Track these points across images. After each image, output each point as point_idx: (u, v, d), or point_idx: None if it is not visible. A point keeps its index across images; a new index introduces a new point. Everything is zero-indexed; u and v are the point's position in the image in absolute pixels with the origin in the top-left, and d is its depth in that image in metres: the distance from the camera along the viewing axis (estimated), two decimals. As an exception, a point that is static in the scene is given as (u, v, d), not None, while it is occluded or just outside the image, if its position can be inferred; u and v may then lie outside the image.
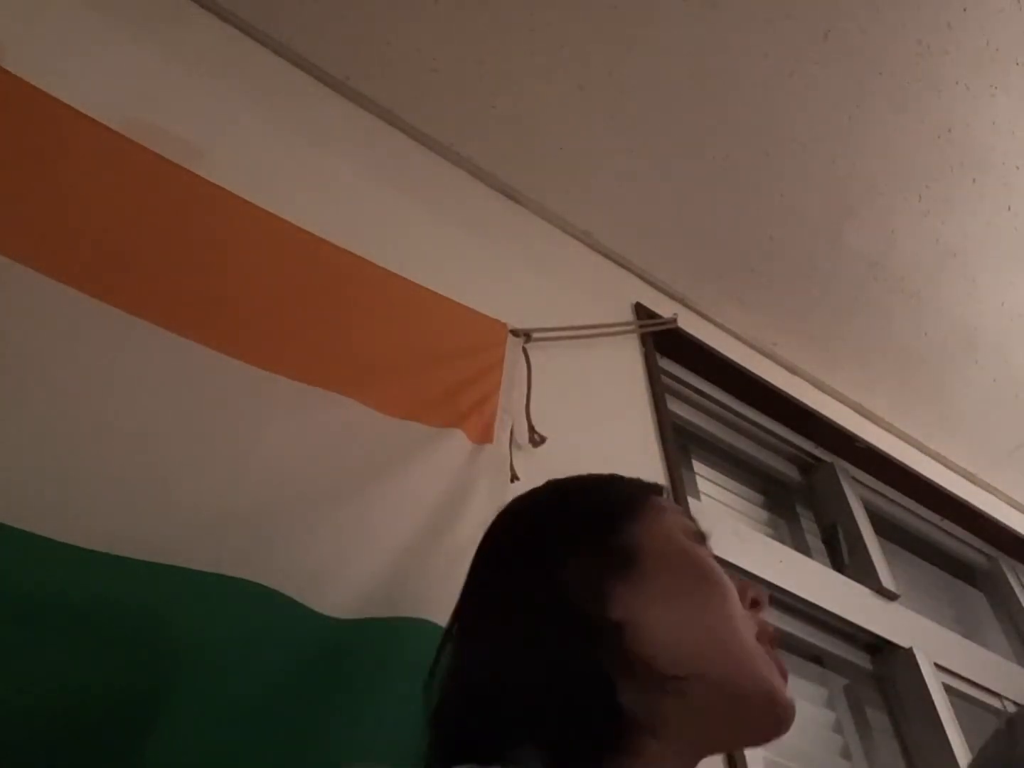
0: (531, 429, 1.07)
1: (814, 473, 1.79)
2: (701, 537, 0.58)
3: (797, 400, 1.75)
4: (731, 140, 1.48)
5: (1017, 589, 1.99)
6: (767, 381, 1.71)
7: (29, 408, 0.68)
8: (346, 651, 0.71)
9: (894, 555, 1.78)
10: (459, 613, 0.59)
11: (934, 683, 1.42)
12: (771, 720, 0.50)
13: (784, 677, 0.52)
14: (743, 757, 1.01)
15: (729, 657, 0.50)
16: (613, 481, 0.63)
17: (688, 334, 1.59)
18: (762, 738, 0.51)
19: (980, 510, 2.00)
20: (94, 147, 0.89)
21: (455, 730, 0.50)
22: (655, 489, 0.63)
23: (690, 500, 1.29)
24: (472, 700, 0.50)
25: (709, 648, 0.50)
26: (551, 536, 0.57)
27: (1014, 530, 2.05)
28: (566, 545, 0.55)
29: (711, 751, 0.52)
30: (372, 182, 1.26)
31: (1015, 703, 1.60)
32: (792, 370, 1.87)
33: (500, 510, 0.63)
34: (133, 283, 0.81)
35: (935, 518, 1.97)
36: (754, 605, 0.56)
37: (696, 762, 0.51)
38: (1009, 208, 1.58)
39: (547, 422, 1.08)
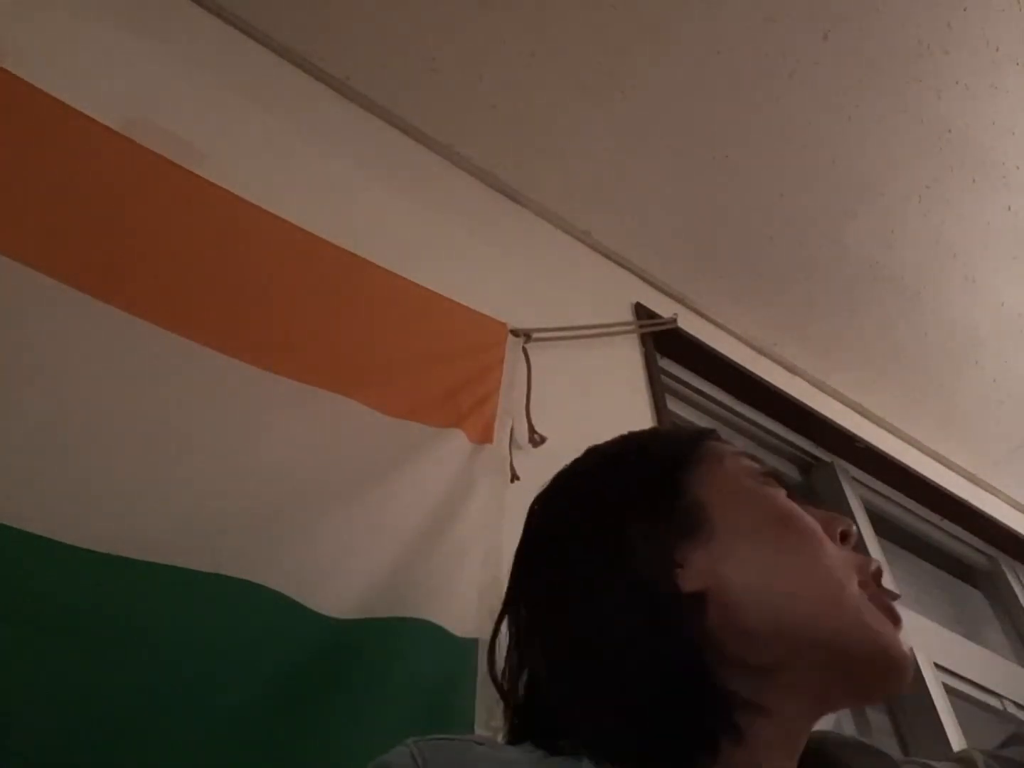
0: (531, 429, 1.07)
1: (814, 473, 1.79)
2: (771, 477, 0.52)
3: (797, 400, 1.75)
4: (731, 140, 1.48)
5: (1017, 589, 1.99)
6: (767, 381, 1.71)
7: (29, 408, 0.68)
8: (346, 651, 0.71)
9: (894, 555, 1.78)
10: (515, 599, 0.54)
11: (934, 683, 1.42)
12: (888, 675, 0.44)
13: (896, 622, 0.46)
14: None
15: (831, 609, 0.44)
16: (659, 436, 0.58)
17: (688, 334, 1.59)
18: (879, 695, 0.46)
19: (980, 510, 2.00)
20: (94, 147, 0.89)
21: (544, 715, 0.46)
22: (709, 435, 0.57)
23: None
24: (554, 689, 0.46)
25: (806, 603, 0.44)
26: (606, 510, 0.51)
27: (1014, 530, 2.05)
28: (624, 517, 0.49)
29: (823, 714, 0.47)
30: (372, 182, 1.26)
31: (1015, 703, 1.60)
32: (792, 370, 1.87)
33: (543, 488, 0.58)
34: (133, 283, 0.81)
35: (935, 518, 1.97)
36: (844, 539, 0.49)
37: (806, 735, 0.46)
38: (1009, 208, 1.58)
39: (547, 422, 1.08)
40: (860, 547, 1.61)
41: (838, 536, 0.49)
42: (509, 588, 0.56)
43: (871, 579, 0.48)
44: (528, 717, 0.48)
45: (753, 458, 0.55)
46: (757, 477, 0.52)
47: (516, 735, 0.48)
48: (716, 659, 0.44)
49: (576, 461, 0.59)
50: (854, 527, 0.51)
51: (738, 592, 0.45)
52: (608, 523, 0.50)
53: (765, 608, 0.45)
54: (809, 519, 0.49)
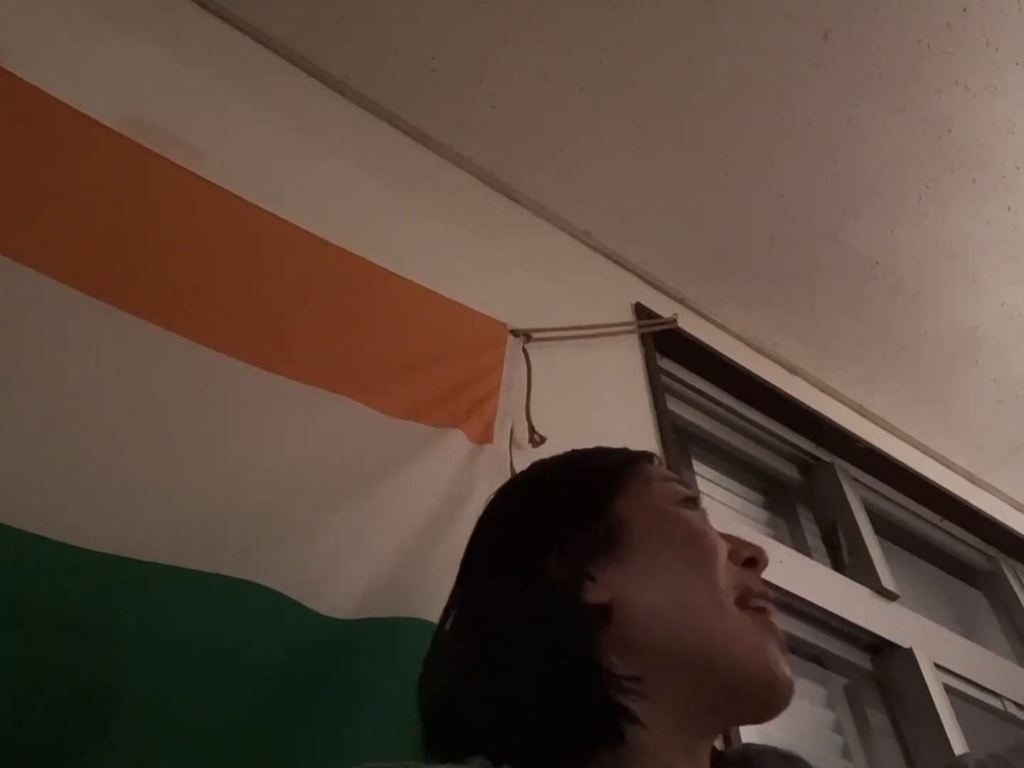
0: (531, 429, 1.07)
1: (814, 473, 1.79)
2: (692, 502, 0.55)
3: (797, 400, 1.75)
4: (731, 140, 1.48)
5: (1017, 589, 1.99)
6: (767, 381, 1.71)
7: (29, 408, 0.68)
8: (346, 651, 0.71)
9: (894, 555, 1.78)
10: (452, 604, 0.57)
11: (934, 683, 1.42)
12: (767, 697, 0.47)
13: (781, 647, 0.49)
14: (743, 757, 1.01)
15: (717, 631, 0.47)
16: (596, 456, 0.61)
17: (688, 334, 1.59)
18: (758, 717, 0.48)
19: (980, 510, 2.00)
20: (94, 147, 0.89)
21: (446, 721, 0.48)
22: (643, 458, 0.60)
23: (690, 500, 1.29)
24: (463, 692, 0.48)
25: (696, 623, 0.47)
26: (534, 520, 0.55)
27: (1014, 530, 2.05)
28: (549, 528, 0.53)
29: (707, 733, 0.49)
30: (372, 182, 1.26)
31: (1015, 703, 1.60)
32: (792, 370, 1.87)
33: (488, 501, 0.61)
34: (133, 283, 0.81)
35: (935, 518, 1.97)
36: (749, 564, 0.53)
37: (694, 747, 0.48)
38: (1009, 208, 1.58)
39: (547, 422, 1.08)
40: (855, 549, 1.61)
41: (743, 560, 0.53)
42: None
43: (760, 599, 0.51)
44: (442, 728, 0.49)
45: (681, 483, 0.58)
46: (678, 501, 0.55)
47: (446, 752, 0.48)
48: (613, 669, 0.46)
49: (520, 473, 0.63)
50: (764, 554, 0.54)
51: (639, 607, 0.48)
52: (533, 535, 0.53)
53: (658, 624, 0.47)
54: (717, 544, 0.52)
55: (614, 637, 0.47)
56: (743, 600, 0.50)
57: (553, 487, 0.57)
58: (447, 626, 0.55)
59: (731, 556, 0.52)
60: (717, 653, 0.46)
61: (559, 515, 0.54)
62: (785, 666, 0.48)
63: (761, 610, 0.50)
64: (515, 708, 0.45)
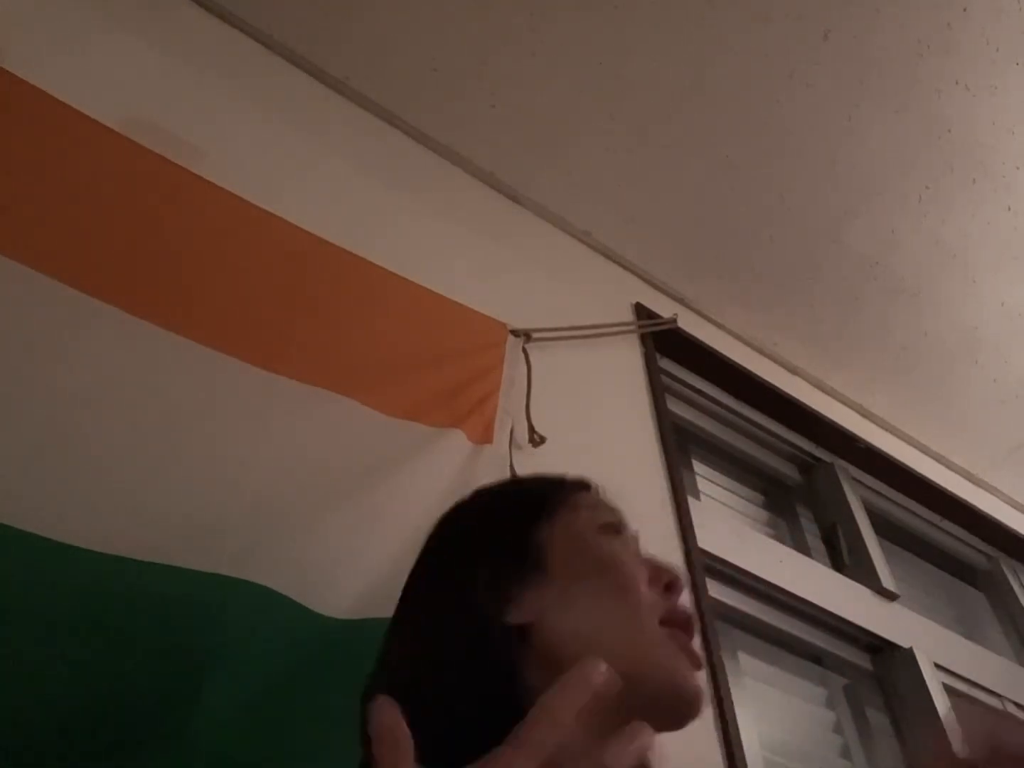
0: (531, 429, 1.07)
1: (814, 473, 1.79)
2: (615, 528, 0.58)
3: (797, 400, 1.75)
4: (731, 140, 1.48)
5: (1017, 589, 1.99)
6: (767, 381, 1.71)
7: (29, 408, 0.68)
8: (346, 651, 0.71)
9: (894, 555, 1.78)
10: (392, 620, 0.59)
11: (934, 683, 1.42)
12: (678, 708, 0.50)
13: (695, 663, 0.52)
14: (743, 757, 1.01)
15: (630, 649, 0.49)
16: (529, 483, 0.64)
17: (688, 334, 1.59)
18: (670, 726, 0.51)
19: (980, 510, 2.00)
20: (94, 147, 0.89)
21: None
22: (576, 486, 0.63)
23: (690, 500, 1.29)
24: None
25: (611, 643, 0.50)
26: (464, 543, 0.58)
27: (1014, 530, 2.05)
28: (477, 552, 0.56)
29: None
30: (372, 182, 1.26)
31: (1015, 703, 1.60)
32: (792, 370, 1.87)
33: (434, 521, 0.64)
34: (133, 282, 0.81)
35: (935, 518, 1.97)
36: (668, 589, 0.56)
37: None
38: (1009, 208, 1.58)
39: (547, 422, 1.08)
40: (855, 549, 1.61)
41: (662, 586, 0.55)
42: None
43: (680, 625, 0.54)
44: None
45: (610, 509, 0.61)
46: (599, 528, 0.58)
47: None
48: (532, 689, 0.47)
49: (461, 499, 0.65)
50: (680, 580, 0.57)
51: (557, 629, 0.50)
52: (462, 558, 0.57)
53: (574, 644, 0.50)
54: (633, 570, 0.55)
55: (535, 657, 0.49)
56: (668, 622, 0.53)
57: (486, 513, 0.61)
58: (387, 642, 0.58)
59: (651, 581, 0.55)
60: (631, 669, 0.48)
61: (487, 540, 0.57)
62: (694, 680, 0.51)
63: (679, 632, 0.53)
64: (435, 720, 0.47)
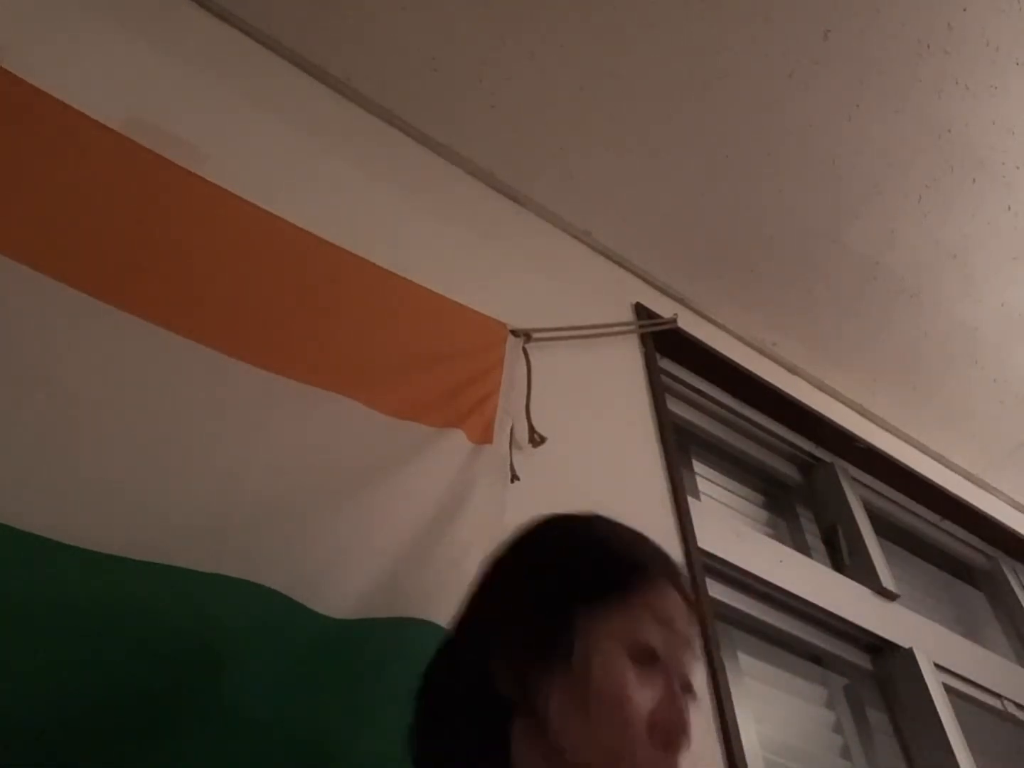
0: (531, 429, 1.07)
1: (814, 473, 1.79)
2: (650, 656, 0.54)
3: (797, 400, 1.75)
4: (731, 140, 1.48)
5: (1017, 589, 1.99)
6: (767, 381, 1.71)
7: (29, 408, 0.68)
8: (346, 651, 0.71)
9: (894, 555, 1.78)
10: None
11: (934, 683, 1.42)
12: None
13: None
14: (743, 757, 1.01)
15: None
16: (607, 547, 0.60)
17: (688, 334, 1.59)
18: None
19: (980, 510, 2.00)
20: (94, 147, 0.89)
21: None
22: (658, 570, 0.59)
23: (690, 500, 1.29)
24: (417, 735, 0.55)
25: (600, 756, 0.51)
26: (515, 596, 0.58)
27: (1014, 530, 2.05)
28: (518, 613, 0.56)
29: None
30: (372, 182, 1.26)
31: (1015, 703, 1.60)
32: (792, 370, 1.87)
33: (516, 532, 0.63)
34: (134, 283, 0.81)
35: (935, 518, 1.97)
36: (666, 747, 0.53)
37: None
38: (1009, 208, 1.58)
39: (547, 422, 1.08)
40: (855, 549, 1.61)
41: (661, 743, 0.53)
42: None
43: (662, 745, 0.52)
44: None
45: (667, 623, 0.57)
46: (638, 652, 0.54)
47: None
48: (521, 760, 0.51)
49: (536, 527, 0.62)
50: (683, 740, 0.53)
51: (563, 726, 0.52)
52: (503, 615, 0.57)
53: (572, 751, 0.51)
54: (632, 731, 0.52)
55: (540, 742, 0.51)
56: (650, 733, 0.52)
57: (545, 572, 0.58)
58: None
59: (650, 730, 0.53)
60: None
61: (536, 605, 0.56)
62: None
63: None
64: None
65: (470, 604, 0.60)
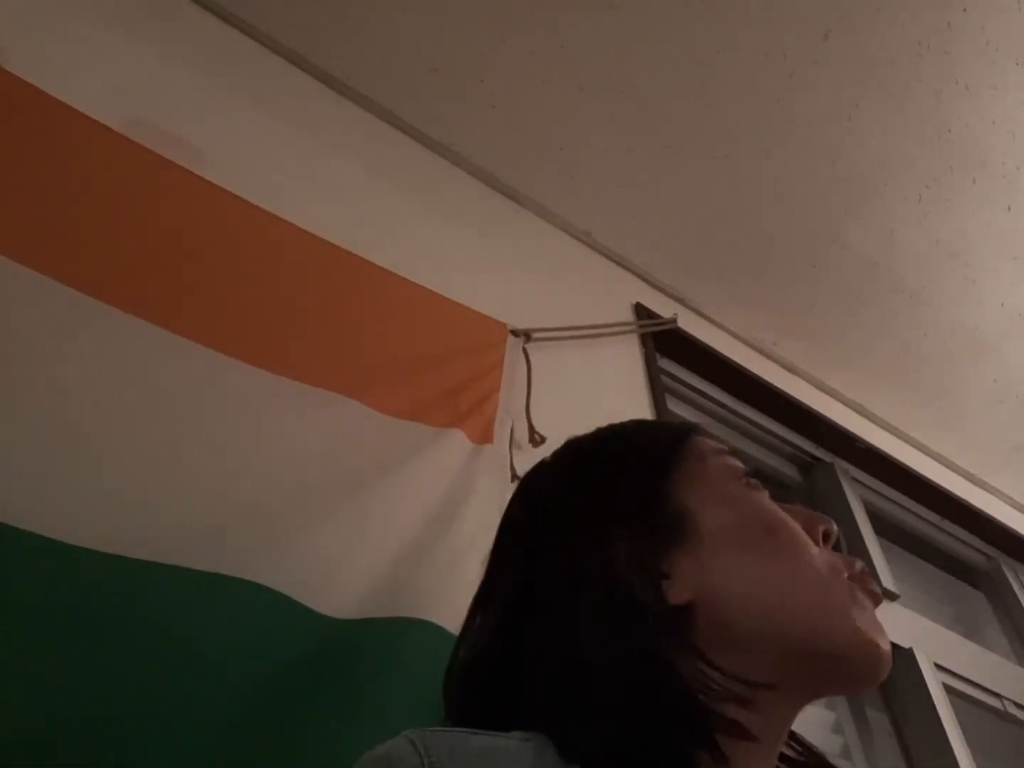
0: (531, 429, 1.07)
1: (814, 473, 1.79)
2: (754, 478, 0.51)
3: (797, 400, 1.75)
4: (731, 140, 1.48)
5: (1017, 589, 1.99)
6: (767, 381, 1.71)
7: (29, 408, 0.68)
8: (346, 651, 0.71)
9: (894, 555, 1.78)
10: (493, 593, 0.53)
11: (934, 683, 1.42)
12: (869, 671, 0.46)
13: (877, 626, 0.47)
14: (743, 757, 1.01)
15: (820, 612, 0.45)
16: (640, 433, 0.56)
17: (688, 334, 1.59)
18: (859, 688, 0.48)
19: (980, 510, 2.00)
20: (94, 147, 0.89)
21: (492, 697, 0.47)
22: (689, 430, 0.55)
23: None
24: (533, 679, 0.46)
25: (795, 608, 0.45)
26: (587, 512, 0.50)
27: (1014, 530, 2.05)
28: (606, 522, 0.49)
29: (807, 702, 0.49)
30: (372, 182, 1.26)
31: (1015, 703, 1.60)
32: (792, 370, 1.87)
33: (522, 480, 0.58)
34: (133, 283, 0.81)
35: (935, 518, 1.97)
36: (825, 539, 0.50)
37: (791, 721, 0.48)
38: (1009, 208, 1.58)
39: (547, 422, 1.08)
40: (855, 549, 1.61)
41: (820, 536, 0.50)
42: (484, 580, 0.55)
43: (858, 577, 0.48)
44: (493, 707, 0.47)
45: (735, 455, 0.54)
46: (741, 479, 0.51)
47: (478, 722, 0.45)
48: (705, 675, 0.43)
49: (556, 455, 0.58)
50: (834, 526, 0.51)
51: (727, 602, 0.45)
52: (590, 527, 0.49)
53: (754, 617, 0.45)
54: (793, 523, 0.49)
55: (707, 638, 0.44)
56: (853, 579, 0.48)
57: (603, 474, 0.53)
58: (483, 620, 0.52)
59: (807, 532, 0.49)
60: (823, 633, 0.45)
61: (616, 506, 0.50)
62: (885, 643, 0.46)
63: (864, 590, 0.48)
64: (601, 719, 0.42)
65: (520, 559, 0.52)
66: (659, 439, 0.55)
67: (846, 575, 0.48)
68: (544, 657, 0.46)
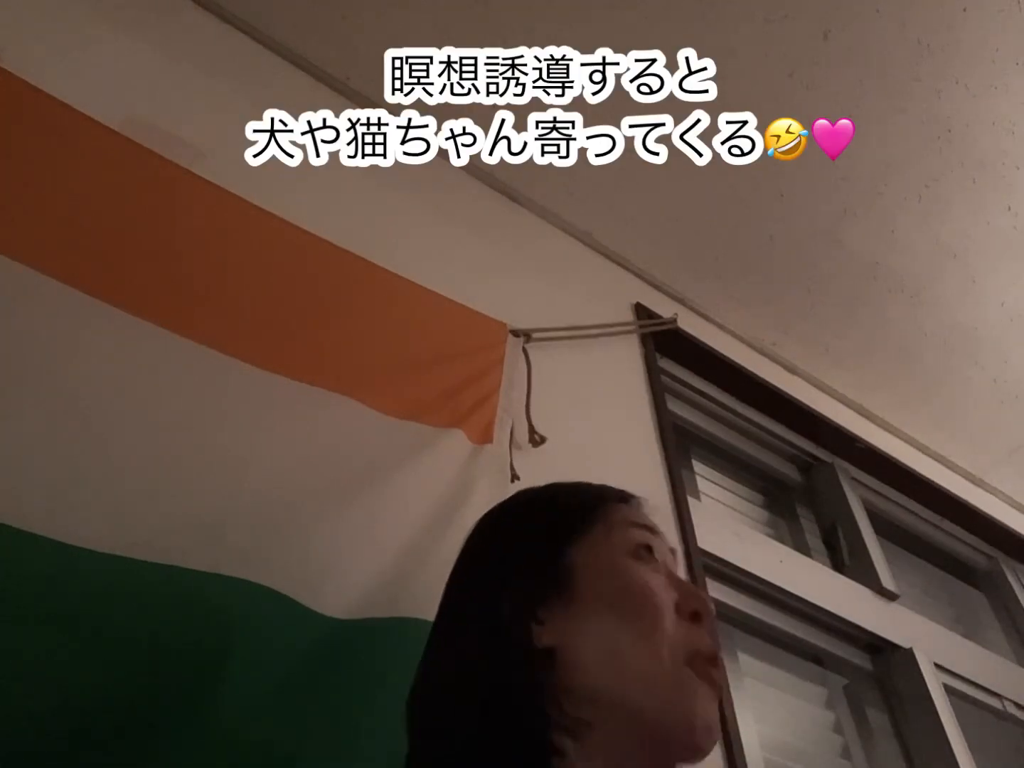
0: (531, 429, 1.07)
1: (814, 473, 1.79)
2: (648, 550, 0.57)
3: (797, 400, 1.75)
4: (731, 140, 1.48)
5: (1017, 589, 1.99)
6: (767, 381, 1.71)
7: (29, 408, 0.68)
8: (346, 651, 0.71)
9: (894, 555, 1.78)
10: (434, 621, 0.60)
11: (934, 683, 1.42)
12: (688, 747, 0.50)
13: (716, 695, 0.51)
14: (743, 757, 1.01)
15: (648, 686, 0.49)
16: (567, 494, 0.62)
17: (688, 334, 1.59)
18: (681, 761, 0.51)
19: (980, 510, 2.00)
20: (94, 147, 0.89)
21: (409, 735, 0.53)
22: (614, 499, 0.61)
23: (690, 500, 1.29)
24: (413, 717, 0.53)
25: (630, 677, 0.49)
26: (496, 557, 0.58)
27: (1014, 530, 2.05)
28: (507, 567, 0.56)
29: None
30: (371, 182, 1.26)
31: (1015, 703, 1.60)
32: (792, 370, 1.87)
33: (472, 526, 0.64)
34: (133, 282, 0.81)
35: (935, 518, 1.97)
36: (694, 618, 0.54)
37: None
38: (1009, 208, 1.58)
39: (547, 422, 1.08)
40: (855, 549, 1.61)
41: (688, 614, 0.54)
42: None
43: (703, 659, 0.52)
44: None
45: (648, 528, 0.59)
46: (631, 551, 0.56)
47: None
48: (553, 712, 0.48)
49: (502, 504, 0.64)
50: (708, 606, 0.55)
51: (581, 655, 0.50)
52: (493, 573, 0.57)
53: (594, 675, 0.50)
54: (661, 602, 0.53)
55: (559, 680, 0.49)
56: (690, 662, 0.51)
57: (520, 525, 0.60)
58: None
59: (677, 609, 0.54)
60: (649, 705, 0.49)
61: (517, 557, 0.57)
62: (709, 719, 0.50)
63: (705, 665, 0.52)
64: (458, 744, 0.48)
65: (452, 589, 0.60)
66: (576, 505, 0.61)
67: (686, 659, 0.51)
68: (426, 681, 0.54)
